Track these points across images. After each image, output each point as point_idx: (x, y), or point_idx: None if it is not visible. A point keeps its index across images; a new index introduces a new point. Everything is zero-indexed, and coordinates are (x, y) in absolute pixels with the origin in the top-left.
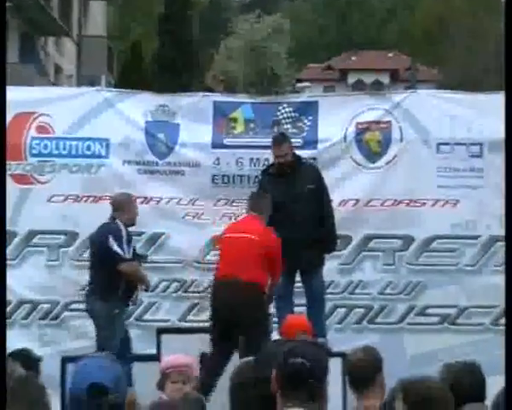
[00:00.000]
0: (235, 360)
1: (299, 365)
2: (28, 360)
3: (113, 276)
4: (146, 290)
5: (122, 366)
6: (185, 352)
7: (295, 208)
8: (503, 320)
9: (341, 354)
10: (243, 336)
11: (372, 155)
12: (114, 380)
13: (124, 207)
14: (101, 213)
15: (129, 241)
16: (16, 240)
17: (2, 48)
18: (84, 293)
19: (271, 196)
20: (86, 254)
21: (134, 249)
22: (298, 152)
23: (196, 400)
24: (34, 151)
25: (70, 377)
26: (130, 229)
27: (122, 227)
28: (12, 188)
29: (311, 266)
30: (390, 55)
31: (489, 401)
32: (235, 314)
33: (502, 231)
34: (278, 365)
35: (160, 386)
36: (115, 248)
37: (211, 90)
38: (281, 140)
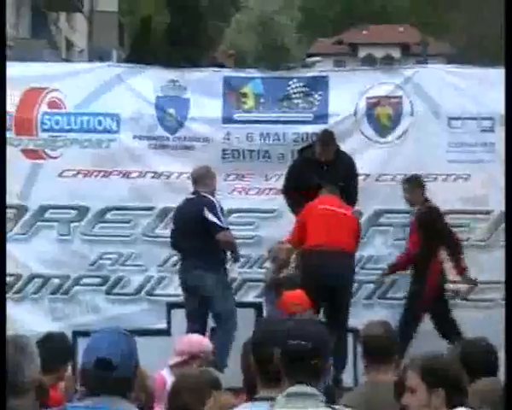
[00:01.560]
0: None
1: (301, 346)
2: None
3: (212, 246)
4: (235, 261)
5: (132, 341)
6: None
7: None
8: None
9: (353, 330)
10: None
11: (383, 130)
12: (121, 355)
13: (205, 180)
14: (112, 187)
15: (221, 210)
16: (27, 215)
17: (2, 48)
18: (179, 269)
19: (309, 181)
20: (97, 229)
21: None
22: (308, 127)
23: (216, 379)
24: (45, 126)
25: (83, 350)
26: (141, 204)
27: (213, 198)
28: (23, 163)
29: None
30: (401, 29)
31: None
32: (336, 280)
33: None
34: (281, 345)
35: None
36: (211, 218)
37: (221, 64)
38: (328, 141)
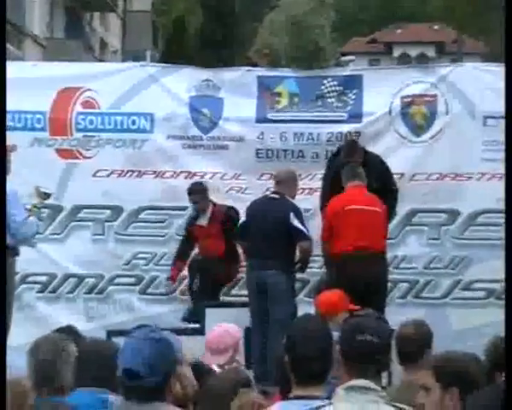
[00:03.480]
0: None
1: (368, 341)
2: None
3: (289, 250)
4: (302, 271)
5: (161, 344)
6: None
7: None
8: None
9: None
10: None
11: (417, 129)
12: (148, 364)
13: (290, 183)
14: (146, 187)
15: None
16: (62, 215)
17: (2, 49)
18: (249, 265)
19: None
20: (131, 229)
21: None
22: (342, 126)
23: (244, 377)
24: (80, 126)
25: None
26: (175, 204)
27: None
28: (57, 163)
29: None
30: (436, 27)
31: None
32: (371, 284)
33: None
34: (344, 341)
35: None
36: (297, 224)
37: (254, 64)
38: (353, 150)
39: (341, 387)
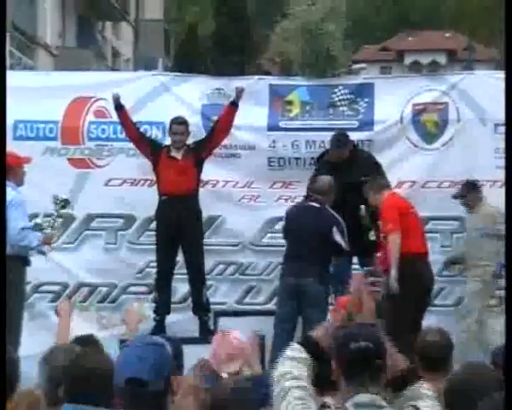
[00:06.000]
0: None
1: (364, 347)
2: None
3: (328, 262)
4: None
5: (166, 351)
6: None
7: (349, 197)
8: None
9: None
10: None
11: (429, 137)
12: (153, 370)
13: (329, 192)
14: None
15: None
16: (75, 224)
17: (2, 49)
18: (285, 269)
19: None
20: (143, 238)
21: None
22: (354, 134)
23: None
24: (92, 135)
25: (115, 366)
26: None
27: (340, 218)
28: (70, 172)
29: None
30: (447, 34)
31: None
32: (430, 289)
33: None
34: (339, 349)
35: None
36: (338, 239)
37: (267, 72)
38: (341, 145)
39: (350, 403)
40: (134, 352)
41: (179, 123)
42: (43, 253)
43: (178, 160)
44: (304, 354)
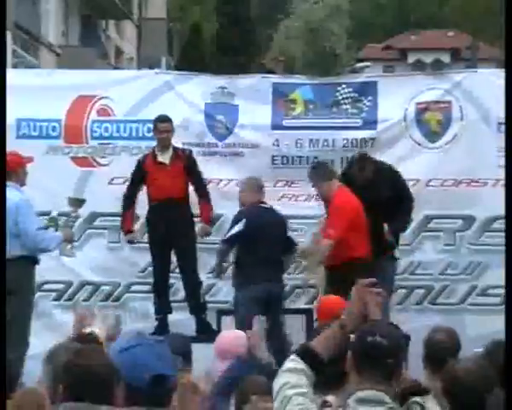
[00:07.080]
0: None
1: (378, 343)
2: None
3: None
4: None
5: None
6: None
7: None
8: None
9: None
10: None
11: (432, 135)
12: (172, 365)
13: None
14: None
15: None
16: (78, 222)
17: (3, 53)
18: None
19: None
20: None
21: None
22: (357, 132)
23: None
24: (95, 134)
25: (125, 366)
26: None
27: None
28: (73, 170)
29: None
30: (450, 33)
31: None
32: None
33: None
34: (357, 340)
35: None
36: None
37: (270, 70)
38: (363, 164)
39: (353, 398)
40: (151, 350)
41: (164, 121)
42: (68, 255)
43: (167, 164)
44: (300, 366)
